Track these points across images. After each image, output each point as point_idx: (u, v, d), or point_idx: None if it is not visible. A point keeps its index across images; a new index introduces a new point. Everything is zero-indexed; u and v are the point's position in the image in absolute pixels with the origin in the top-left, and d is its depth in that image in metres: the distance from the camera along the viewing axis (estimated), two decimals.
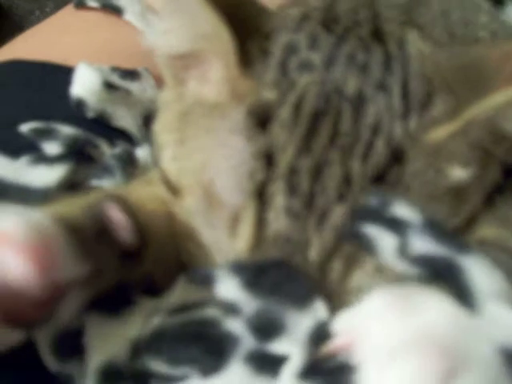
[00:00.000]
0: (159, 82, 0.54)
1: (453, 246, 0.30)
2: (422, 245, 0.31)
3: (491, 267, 0.30)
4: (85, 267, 0.31)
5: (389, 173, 0.32)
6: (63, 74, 0.51)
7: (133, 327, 0.32)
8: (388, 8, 0.37)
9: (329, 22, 0.36)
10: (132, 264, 0.34)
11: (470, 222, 0.34)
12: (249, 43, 0.34)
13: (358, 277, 0.33)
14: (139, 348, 0.31)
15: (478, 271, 0.30)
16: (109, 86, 0.50)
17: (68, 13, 0.64)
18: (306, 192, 0.32)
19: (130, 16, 0.60)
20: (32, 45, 0.59)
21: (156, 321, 0.32)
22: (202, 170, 0.35)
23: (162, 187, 0.38)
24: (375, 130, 0.32)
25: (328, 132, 0.32)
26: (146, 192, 0.39)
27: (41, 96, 0.51)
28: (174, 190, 0.36)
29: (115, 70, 0.53)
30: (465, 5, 0.42)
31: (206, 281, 0.32)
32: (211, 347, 0.30)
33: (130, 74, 0.54)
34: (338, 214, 0.32)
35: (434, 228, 0.31)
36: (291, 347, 0.29)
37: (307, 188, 0.32)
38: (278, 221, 0.33)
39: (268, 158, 0.33)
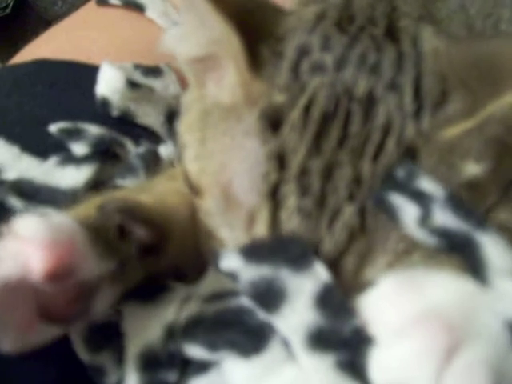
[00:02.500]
0: (181, 78, 0.55)
1: (471, 222, 0.32)
2: (443, 218, 0.32)
3: (505, 247, 0.31)
4: (109, 263, 0.33)
5: None
6: (87, 73, 0.52)
7: (168, 312, 0.34)
8: (406, 2, 0.37)
9: (344, 21, 0.36)
10: (155, 258, 0.36)
11: (487, 211, 0.35)
12: (261, 46, 0.34)
13: (370, 273, 0.33)
14: (174, 332, 0.33)
15: (493, 248, 0.31)
16: (132, 85, 0.51)
17: (90, 10, 0.65)
18: (317, 192, 0.33)
19: (151, 13, 0.61)
20: (56, 43, 0.60)
21: (192, 308, 0.33)
22: (220, 170, 0.36)
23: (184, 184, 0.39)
24: (386, 130, 0.33)
25: (337, 134, 0.33)
26: (168, 186, 0.40)
27: (67, 96, 0.52)
28: (194, 190, 0.37)
29: (138, 67, 0.54)
30: None
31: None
32: (250, 331, 0.32)
33: (153, 71, 0.55)
34: (348, 212, 0.33)
35: (456, 203, 0.32)
36: (297, 315, 0.31)
37: (318, 188, 0.33)
38: (290, 220, 0.34)
39: (280, 160, 0.33)
